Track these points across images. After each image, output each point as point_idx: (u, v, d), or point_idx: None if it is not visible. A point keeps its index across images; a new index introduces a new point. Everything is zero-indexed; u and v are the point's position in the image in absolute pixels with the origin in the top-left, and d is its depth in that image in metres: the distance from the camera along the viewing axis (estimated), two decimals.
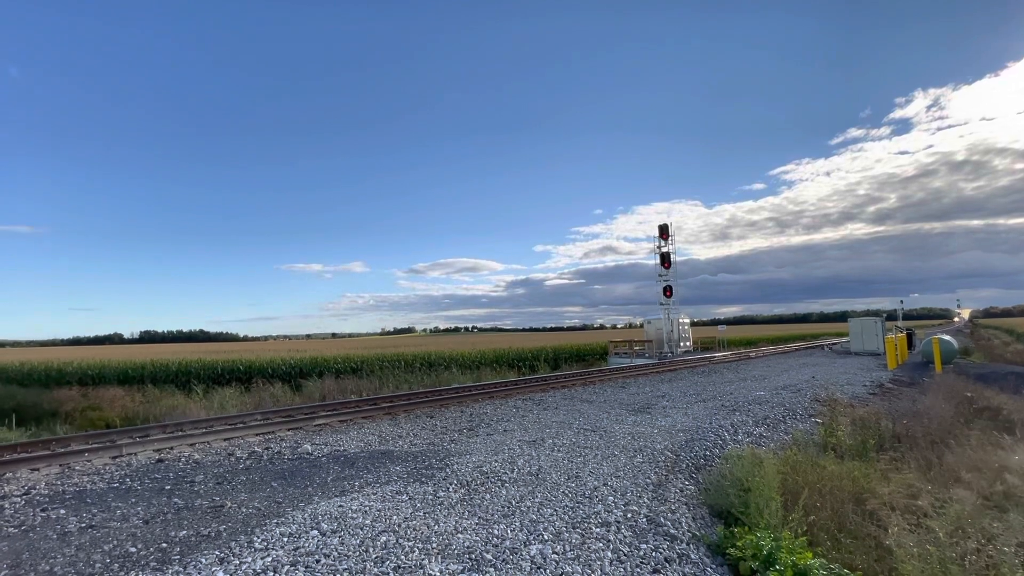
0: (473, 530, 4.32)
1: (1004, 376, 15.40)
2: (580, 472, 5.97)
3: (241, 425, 9.08)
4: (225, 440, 8.15)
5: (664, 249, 26.45)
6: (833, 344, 36.22)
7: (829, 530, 4.97)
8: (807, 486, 5.49)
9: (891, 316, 44.55)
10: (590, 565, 3.79)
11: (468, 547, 4.00)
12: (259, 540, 4.10)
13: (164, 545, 4.09)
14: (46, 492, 5.64)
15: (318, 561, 3.74)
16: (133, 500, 5.29)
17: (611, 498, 5.12)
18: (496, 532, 4.28)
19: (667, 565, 3.94)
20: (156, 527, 4.49)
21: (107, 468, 6.62)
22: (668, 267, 26.32)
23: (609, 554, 3.98)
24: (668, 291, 26.28)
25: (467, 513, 4.72)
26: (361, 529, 4.32)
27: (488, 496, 5.19)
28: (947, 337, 23.03)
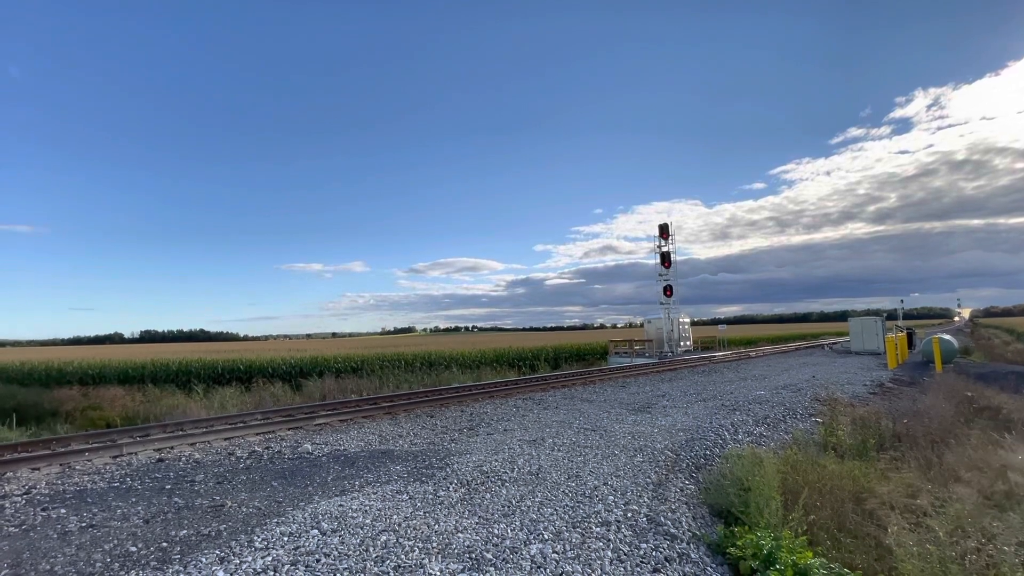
0: (473, 529, 4.33)
1: (1004, 375, 15.39)
2: (580, 471, 5.97)
3: (241, 425, 9.08)
4: (225, 440, 8.16)
5: (664, 248, 26.44)
6: (833, 343, 36.23)
7: (829, 529, 4.97)
8: (807, 485, 5.49)
9: (891, 316, 44.54)
10: (590, 564, 3.79)
11: (468, 546, 4.00)
12: (259, 539, 4.10)
13: (164, 544, 4.09)
14: (47, 491, 5.64)
15: (318, 560, 3.74)
16: (133, 499, 5.29)
17: (611, 497, 5.12)
18: (496, 531, 4.28)
19: (667, 564, 3.94)
20: (156, 526, 4.50)
21: (107, 468, 6.63)
22: (668, 267, 26.30)
23: (609, 553, 3.98)
24: (668, 291, 26.28)
25: (467, 512, 4.73)
26: (361, 528, 4.32)
27: (488, 495, 5.19)
28: (947, 336, 23.02)
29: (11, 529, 4.52)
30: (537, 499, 5.06)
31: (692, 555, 4.17)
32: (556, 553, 3.93)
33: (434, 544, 4.03)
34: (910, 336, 29.18)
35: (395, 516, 4.61)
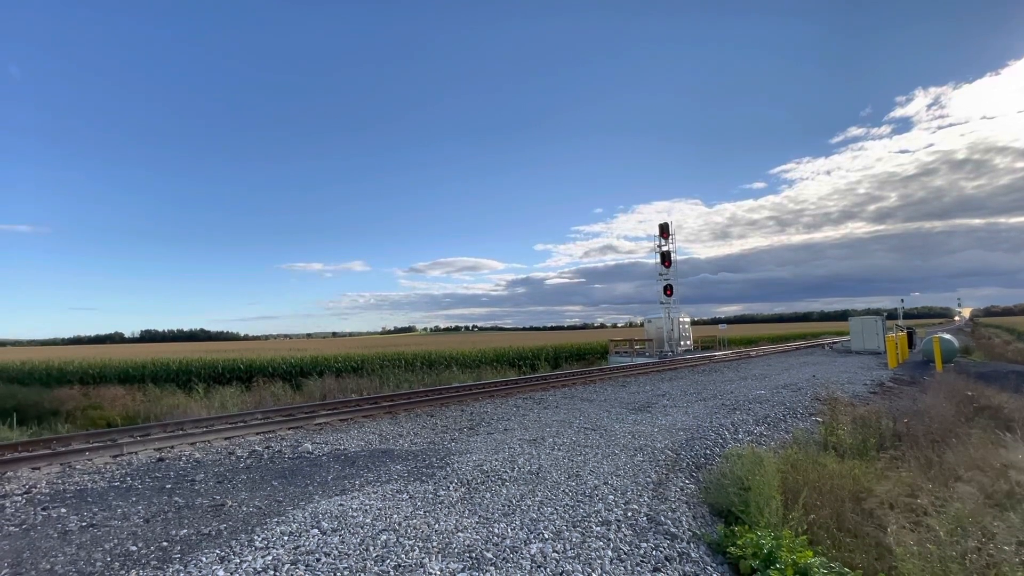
0: (473, 529, 4.33)
1: (1005, 375, 15.38)
2: (580, 471, 5.97)
3: (242, 424, 9.09)
4: (226, 439, 8.16)
5: (664, 248, 26.43)
6: (834, 343, 36.21)
7: (829, 529, 4.97)
8: (807, 485, 5.49)
9: (892, 315, 44.49)
10: (590, 564, 3.79)
11: (468, 546, 4.00)
12: (260, 539, 4.10)
13: (165, 544, 4.09)
14: (47, 491, 5.65)
15: (318, 560, 3.74)
16: (134, 499, 5.30)
17: (611, 497, 5.12)
18: (496, 531, 4.28)
19: (667, 564, 3.94)
20: (157, 526, 4.50)
21: (108, 467, 6.63)
22: (668, 266, 26.29)
23: (609, 553, 3.98)
24: (668, 290, 26.27)
25: (467, 512, 4.73)
26: (361, 528, 4.32)
27: (488, 495, 5.19)
28: (948, 336, 23.01)
29: (11, 528, 4.52)
30: (537, 498, 5.06)
31: (692, 554, 4.17)
32: (556, 552, 3.93)
33: (434, 543, 4.03)
34: (910, 335, 29.17)
35: (395, 515, 4.61)
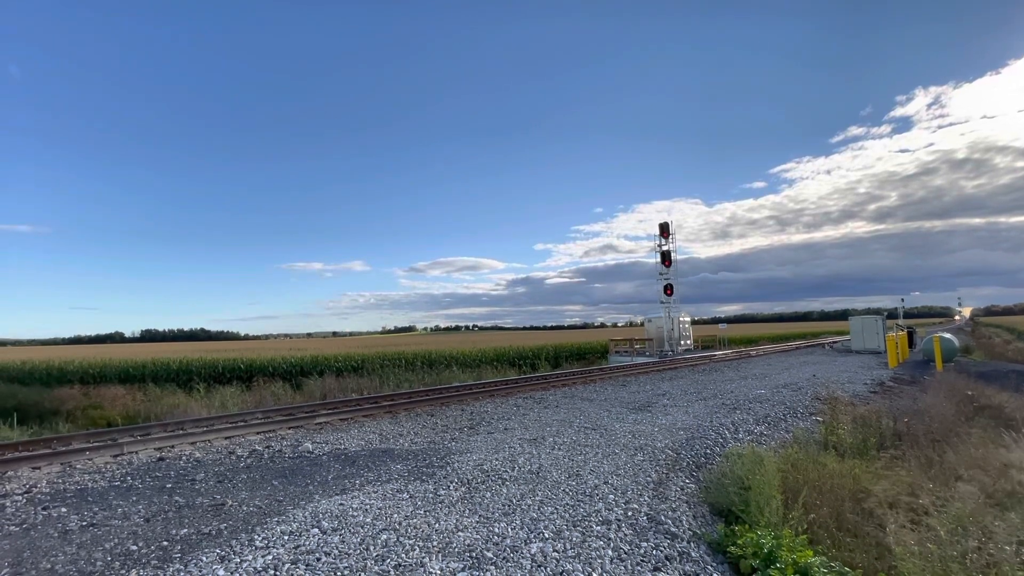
0: (474, 528, 4.33)
1: (1005, 374, 15.38)
2: (581, 470, 5.97)
3: (242, 424, 9.09)
4: (226, 439, 8.16)
5: (665, 247, 26.42)
6: (834, 342, 36.19)
7: (830, 528, 4.96)
8: (807, 484, 5.48)
9: (892, 314, 44.44)
10: (591, 563, 3.79)
11: (469, 545, 4.00)
12: (260, 538, 4.10)
13: (165, 543, 4.09)
14: (47, 490, 5.65)
15: (319, 559, 3.74)
16: (134, 498, 5.30)
17: (612, 496, 5.12)
18: (497, 530, 4.28)
19: (668, 563, 3.94)
20: (157, 525, 4.50)
21: (108, 466, 6.63)
22: (669, 265, 26.28)
23: (610, 552, 3.98)
24: (669, 289, 26.26)
25: (468, 511, 4.73)
26: (362, 527, 4.32)
27: (489, 494, 5.19)
28: (948, 335, 22.99)
29: (12, 528, 4.53)
30: (537, 498, 5.06)
31: (692, 554, 4.17)
32: (556, 552, 3.93)
33: (434, 543, 4.03)
34: (911, 335, 29.15)
35: (395, 515, 4.61)
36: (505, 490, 5.32)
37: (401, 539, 4.09)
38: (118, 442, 7.63)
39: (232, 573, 3.54)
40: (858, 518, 5.17)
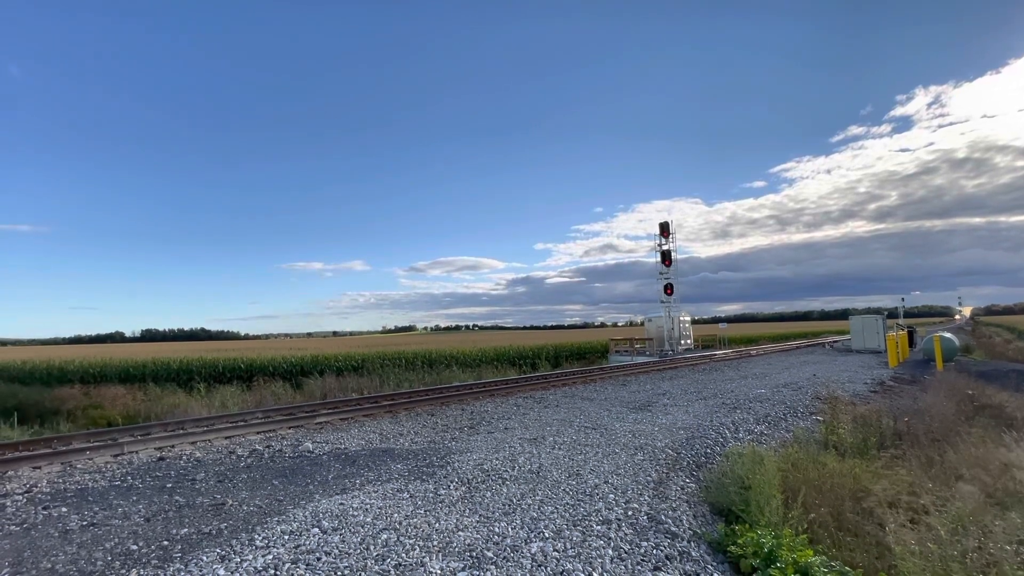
0: (474, 528, 4.33)
1: (1006, 374, 15.37)
2: (581, 470, 5.97)
3: (242, 423, 9.09)
4: (226, 438, 8.16)
5: (665, 247, 26.41)
6: (834, 342, 36.17)
7: (830, 528, 4.96)
8: (807, 484, 5.48)
9: (892, 314, 44.36)
10: (591, 563, 3.79)
11: (469, 545, 4.00)
12: (260, 538, 4.10)
13: (165, 543, 4.09)
14: (48, 490, 5.65)
15: (319, 559, 3.74)
16: (135, 498, 5.30)
17: (612, 496, 5.11)
18: (497, 530, 4.28)
19: (668, 563, 3.94)
20: (157, 525, 4.50)
21: (109, 466, 6.63)
22: (669, 265, 26.27)
23: (610, 552, 3.98)
24: (669, 289, 26.25)
25: (468, 511, 4.73)
26: (362, 527, 4.32)
27: (489, 494, 5.19)
28: (948, 335, 22.98)
29: (12, 528, 4.53)
30: (538, 497, 5.06)
31: (693, 553, 4.17)
32: (557, 551, 3.93)
33: (435, 542, 4.03)
34: (911, 334, 29.13)
35: (396, 514, 4.61)
36: (505, 489, 5.32)
37: (401, 539, 4.09)
38: (118, 442, 7.63)
39: (232, 572, 3.54)
40: (858, 517, 5.17)
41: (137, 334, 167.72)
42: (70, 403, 18.68)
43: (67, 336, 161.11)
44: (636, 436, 7.70)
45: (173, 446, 7.64)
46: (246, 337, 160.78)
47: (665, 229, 26.55)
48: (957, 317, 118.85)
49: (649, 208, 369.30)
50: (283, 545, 3.97)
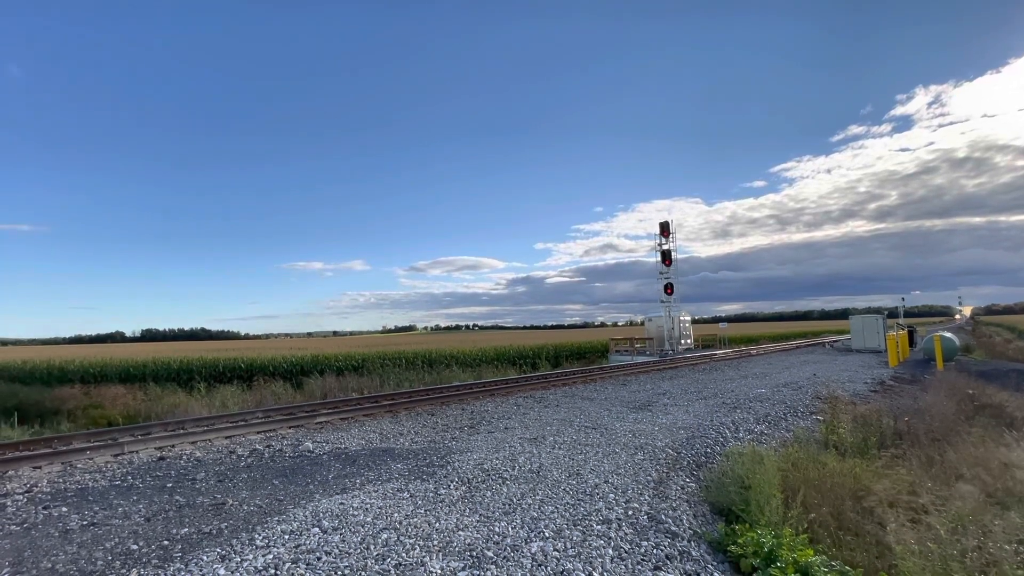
0: (474, 527, 4.33)
1: (1006, 373, 15.37)
2: (581, 469, 5.97)
3: (243, 423, 9.09)
4: (227, 438, 8.17)
5: (665, 247, 26.39)
6: (834, 341, 36.16)
7: (830, 527, 4.96)
8: (807, 483, 5.48)
9: (892, 313, 44.32)
10: (591, 562, 3.79)
11: (469, 544, 4.00)
12: (260, 537, 4.11)
13: (166, 542, 4.10)
14: (48, 490, 5.65)
15: (319, 559, 3.74)
16: (135, 498, 5.30)
17: (612, 495, 5.12)
18: (497, 529, 4.29)
19: (668, 562, 3.94)
20: (158, 524, 4.50)
21: (109, 466, 6.64)
22: (669, 264, 26.26)
23: (610, 551, 3.98)
24: (669, 288, 26.24)
25: (468, 511, 4.73)
26: (362, 527, 4.33)
27: (489, 493, 5.19)
28: (948, 334, 22.97)
29: (13, 527, 4.53)
30: (538, 497, 5.06)
31: (693, 553, 4.17)
32: (557, 551, 3.93)
33: (435, 542, 4.03)
34: (911, 334, 29.12)
35: (396, 514, 4.62)
36: (506, 489, 5.32)
37: (401, 538, 4.09)
38: (119, 441, 7.63)
39: (233, 572, 3.55)
40: (859, 517, 5.17)
41: (137, 334, 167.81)
42: (70, 403, 18.69)
43: (67, 336, 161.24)
44: (636, 436, 7.70)
45: (173, 446, 7.64)
46: (246, 337, 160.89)
47: (665, 229, 26.54)
48: (957, 317, 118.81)
49: (649, 208, 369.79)
50: (283, 545, 3.97)
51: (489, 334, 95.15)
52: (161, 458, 6.99)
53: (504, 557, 3.81)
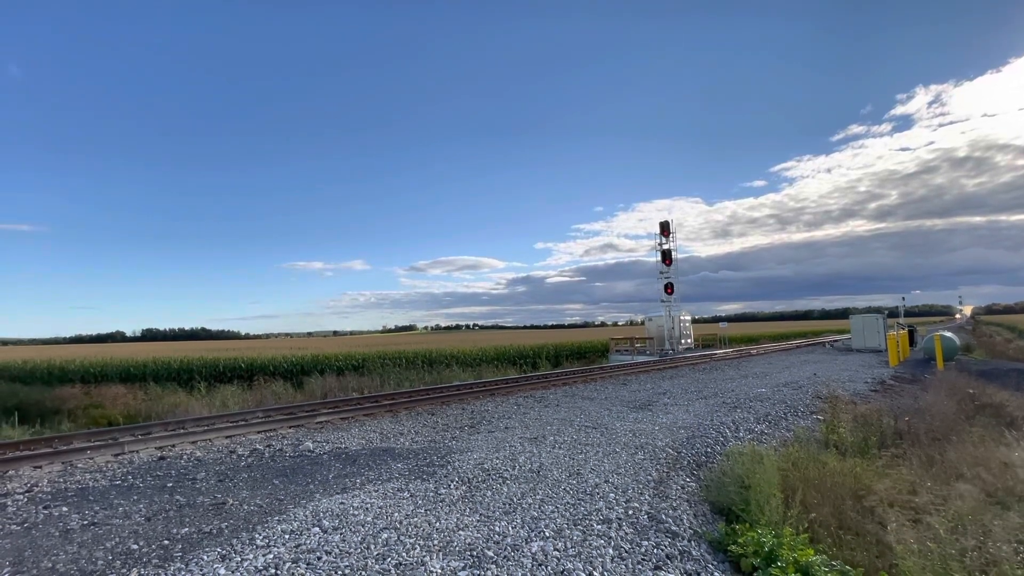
0: (474, 527, 4.33)
1: (1006, 373, 15.37)
2: (581, 469, 5.97)
3: (243, 423, 9.09)
4: (227, 438, 8.17)
5: (665, 246, 26.39)
6: (835, 341, 36.15)
7: (830, 527, 4.96)
8: (808, 483, 5.48)
9: (893, 313, 44.32)
10: (591, 562, 3.79)
11: (469, 544, 4.00)
12: (261, 537, 4.11)
13: (166, 542, 4.10)
14: (48, 490, 5.66)
15: (319, 558, 3.74)
16: (135, 497, 5.30)
17: (612, 495, 5.12)
18: (497, 529, 4.29)
19: (668, 562, 3.94)
20: (158, 524, 4.50)
21: (109, 466, 6.64)
22: (669, 264, 26.26)
23: (610, 551, 3.98)
24: (669, 288, 26.24)
25: (468, 510, 4.73)
26: (362, 526, 4.33)
27: (489, 493, 5.20)
28: (949, 334, 22.96)
29: (13, 527, 4.53)
30: (538, 497, 5.07)
31: (693, 552, 4.17)
32: (557, 551, 3.93)
33: (435, 542, 4.03)
34: (911, 333, 29.11)
35: (396, 514, 4.62)
36: (506, 489, 5.32)
37: (402, 538, 4.09)
38: (119, 441, 7.64)
39: (233, 572, 3.55)
40: (859, 517, 5.17)
41: (138, 334, 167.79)
42: (71, 402, 18.70)
43: (68, 336, 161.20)
44: (636, 435, 7.70)
45: (174, 445, 7.65)
46: (246, 336, 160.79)
47: (665, 228, 26.54)
48: (957, 316, 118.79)
49: (649, 207, 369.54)
50: (284, 544, 3.97)
51: (489, 334, 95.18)
52: (161, 458, 6.99)
53: (504, 557, 3.81)
